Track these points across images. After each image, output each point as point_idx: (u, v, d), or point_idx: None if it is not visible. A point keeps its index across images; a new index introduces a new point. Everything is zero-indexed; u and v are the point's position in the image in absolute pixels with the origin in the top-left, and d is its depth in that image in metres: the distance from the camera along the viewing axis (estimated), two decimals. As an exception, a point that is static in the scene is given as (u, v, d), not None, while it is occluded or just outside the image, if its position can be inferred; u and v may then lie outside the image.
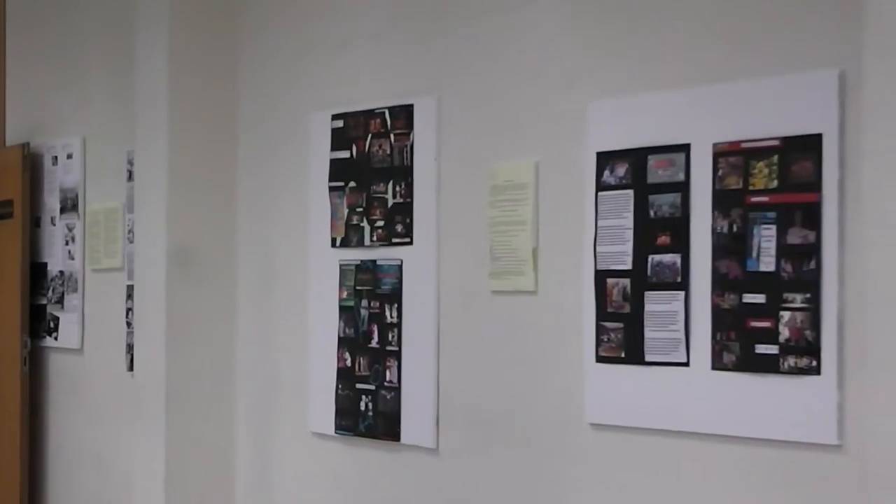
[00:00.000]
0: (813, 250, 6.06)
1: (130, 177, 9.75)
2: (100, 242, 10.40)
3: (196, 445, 9.16)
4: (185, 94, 9.18)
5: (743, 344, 6.31)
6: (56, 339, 10.90)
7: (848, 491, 5.83)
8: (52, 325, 10.91)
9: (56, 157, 10.88)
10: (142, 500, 9.30)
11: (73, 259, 10.72)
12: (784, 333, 6.15)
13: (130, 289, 9.74)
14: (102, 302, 10.42)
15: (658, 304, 6.68)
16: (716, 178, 6.44)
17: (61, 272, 10.84)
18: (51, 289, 10.92)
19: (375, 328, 8.24)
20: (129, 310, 9.83)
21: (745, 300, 6.31)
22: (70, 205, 10.74)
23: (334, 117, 8.53)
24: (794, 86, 6.17)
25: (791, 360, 6.13)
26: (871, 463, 5.49)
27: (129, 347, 9.78)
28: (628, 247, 6.81)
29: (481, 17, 7.64)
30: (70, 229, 10.75)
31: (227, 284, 9.28)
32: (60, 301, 10.84)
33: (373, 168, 8.27)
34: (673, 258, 6.62)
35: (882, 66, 5.45)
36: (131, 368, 9.69)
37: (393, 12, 8.22)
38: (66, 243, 10.79)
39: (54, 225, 10.93)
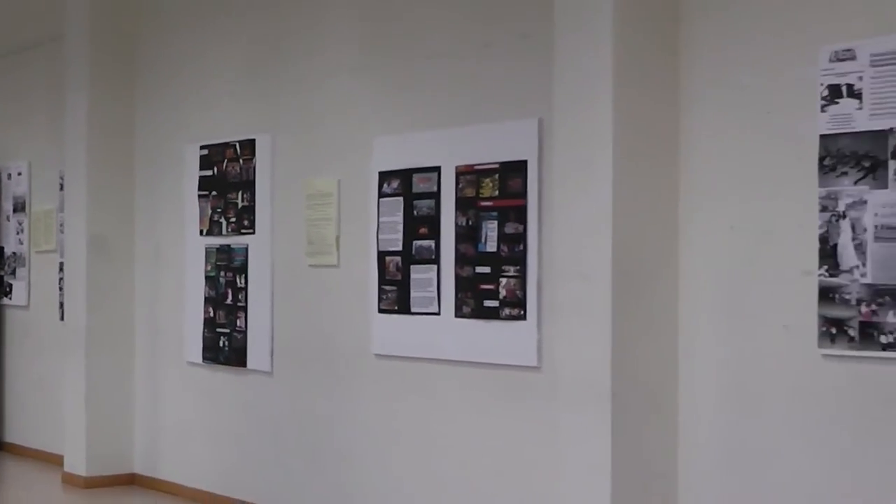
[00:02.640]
0: (521, 237, 6.09)
1: (62, 188, 9.52)
2: (40, 233, 10.19)
3: (106, 372, 8.95)
4: (99, 133, 8.97)
5: (475, 300, 6.32)
6: (10, 299, 10.61)
7: (543, 396, 5.88)
8: (7, 289, 10.60)
9: (10, 175, 10.61)
10: (70, 412, 9.07)
11: (22, 244, 10.45)
12: (502, 293, 6.17)
13: (62, 265, 9.53)
14: (42, 273, 10.16)
15: (419, 274, 6.66)
16: (458, 189, 6.44)
17: (14, 253, 10.55)
18: (6, 265, 10.62)
19: (230, 291, 8.12)
20: (60, 279, 9.60)
21: (477, 271, 6.32)
22: (20, 207, 10.47)
23: (202, 147, 8.38)
24: (510, 128, 6.19)
25: (507, 311, 6.15)
26: (557, 377, 5.53)
27: (61, 304, 9.55)
28: (400, 235, 6.78)
29: (303, 82, 7.57)
30: (20, 224, 10.48)
31: (127, 261, 9.07)
32: (13, 273, 10.55)
33: (228, 182, 8.14)
34: (429, 243, 6.61)
35: (564, 117, 5.50)
36: (62, 319, 9.46)
37: (243, 76, 8.09)
38: (17, 233, 10.52)
39: (9, 221, 10.64)
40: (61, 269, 9.60)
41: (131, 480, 9.03)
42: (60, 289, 9.68)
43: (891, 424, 4.73)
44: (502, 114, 6.25)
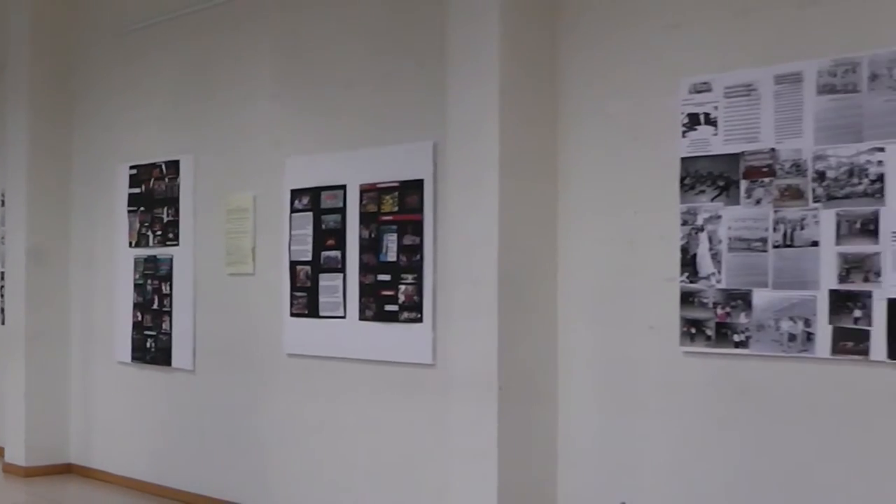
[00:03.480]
0: (418, 249, 6.00)
1: (3, 203, 9.24)
2: (-17, 244, 9.93)
3: (44, 371, 8.67)
4: (38, 154, 8.68)
5: (377, 305, 6.21)
6: (-44, 304, 10.33)
7: (437, 390, 5.77)
8: (-46, 295, 10.33)
9: (-45, 192, 10.32)
10: (11, 407, 8.78)
11: (-33, 255, 10.17)
12: (401, 298, 6.07)
13: (2, 273, 9.25)
14: (-15, 282, 9.91)
15: (327, 282, 6.52)
16: (361, 205, 6.33)
17: (-40, 263, 10.27)
18: (-47, 273, 10.34)
19: (156, 297, 7.89)
20: (1, 286, 9.31)
21: (378, 279, 6.21)
22: (-35, 220, 10.21)
23: (131, 167, 8.15)
24: (409, 151, 6.09)
25: (406, 314, 6.05)
26: (449, 373, 5.47)
27: (2, 309, 9.26)
28: (309, 247, 6.65)
29: (223, 108, 7.40)
30: (-36, 236, 10.20)
31: (63, 270, 8.78)
32: (-41, 280, 10.27)
33: (154, 199, 7.93)
34: (336, 253, 6.48)
35: (456, 142, 5.44)
36: (3, 322, 9.17)
37: (169, 103, 7.88)
38: (-37, 245, 10.23)
39: (-46, 233, 10.35)
40: (2, 277, 9.30)
41: (68, 470, 8.77)
42: (1, 295, 9.38)
43: (742, 413, 4.75)
44: (401, 137, 6.16)
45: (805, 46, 4.57)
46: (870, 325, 4.33)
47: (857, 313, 4.37)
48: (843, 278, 4.41)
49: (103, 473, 8.47)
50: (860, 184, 4.39)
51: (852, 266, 4.39)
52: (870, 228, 4.35)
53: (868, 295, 4.34)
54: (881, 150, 4.33)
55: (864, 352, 4.35)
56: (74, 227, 8.84)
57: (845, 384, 4.43)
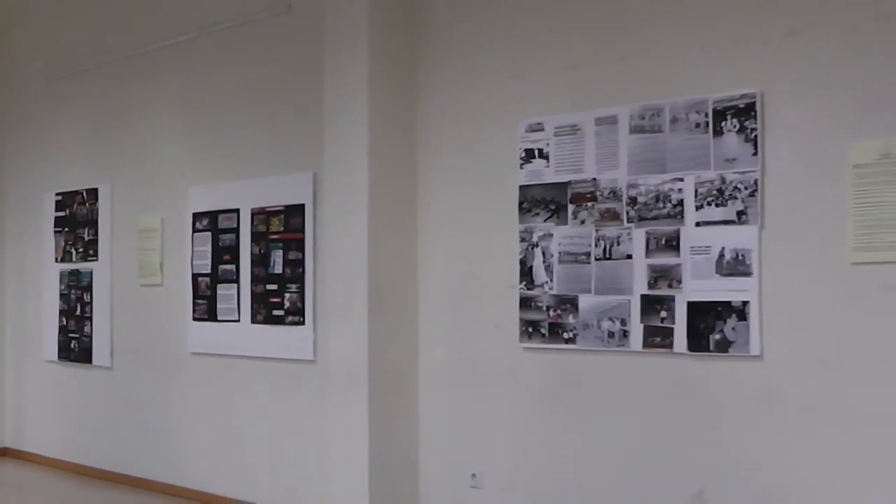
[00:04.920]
0: (301, 262, 5.63)
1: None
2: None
3: (-19, 369, 8.06)
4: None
5: (266, 310, 5.80)
6: None
7: (318, 382, 5.46)
8: None
9: None
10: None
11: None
12: (287, 304, 5.68)
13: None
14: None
15: (224, 291, 6.09)
16: (253, 226, 5.92)
17: None
18: None
19: (79, 305, 7.29)
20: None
21: (267, 288, 5.81)
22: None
23: (57, 194, 7.54)
24: (293, 179, 5.71)
25: (291, 318, 5.67)
26: (328, 368, 5.13)
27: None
28: (209, 261, 6.20)
29: (135, 144, 6.86)
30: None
31: (-2, 282, 8.19)
32: None
33: (77, 221, 7.34)
34: (231, 267, 6.05)
35: (332, 174, 5.10)
36: (-54, 328, 8.47)
37: (90, 140, 7.29)
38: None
39: None
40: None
41: (3, 453, 8.10)
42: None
43: (571, 397, 4.56)
44: (286, 168, 5.79)
45: (619, 94, 4.41)
46: (673, 323, 4.18)
47: (663, 314, 4.21)
48: (651, 285, 4.25)
49: (34, 455, 7.84)
50: (665, 207, 4.23)
51: (659, 275, 4.23)
52: (672, 244, 4.20)
53: (672, 299, 4.18)
54: (681, 179, 4.19)
55: (669, 346, 4.19)
56: (8, 245, 8.17)
57: (654, 372, 4.27)
